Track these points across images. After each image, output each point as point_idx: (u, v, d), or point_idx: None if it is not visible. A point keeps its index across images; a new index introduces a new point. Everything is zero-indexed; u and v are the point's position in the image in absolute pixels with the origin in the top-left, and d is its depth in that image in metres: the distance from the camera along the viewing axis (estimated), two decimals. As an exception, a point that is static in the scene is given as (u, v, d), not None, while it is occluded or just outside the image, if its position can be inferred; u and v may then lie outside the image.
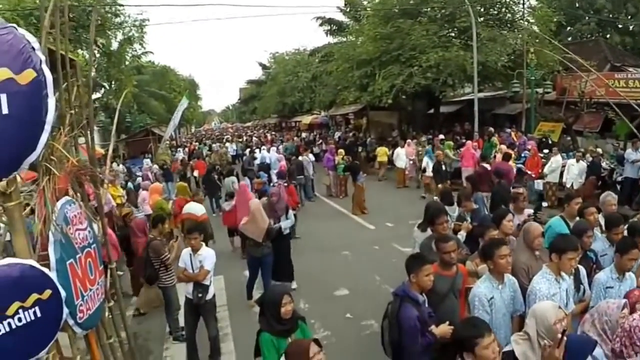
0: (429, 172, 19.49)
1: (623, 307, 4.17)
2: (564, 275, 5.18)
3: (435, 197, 18.37)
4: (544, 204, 16.25)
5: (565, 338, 3.49)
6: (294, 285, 10.74)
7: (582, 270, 5.64)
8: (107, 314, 4.83)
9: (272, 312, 4.69)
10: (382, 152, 24.97)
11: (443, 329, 4.88)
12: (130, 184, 20.90)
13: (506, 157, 15.60)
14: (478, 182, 11.56)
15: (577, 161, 16.31)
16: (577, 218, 7.08)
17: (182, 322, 8.40)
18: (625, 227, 6.40)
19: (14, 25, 3.46)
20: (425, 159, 20.23)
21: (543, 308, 3.99)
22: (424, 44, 25.33)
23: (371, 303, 9.23)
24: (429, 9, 27.80)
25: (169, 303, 8.59)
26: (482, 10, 27.90)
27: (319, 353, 3.69)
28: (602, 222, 7.10)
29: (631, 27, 36.67)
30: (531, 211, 9.63)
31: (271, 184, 17.05)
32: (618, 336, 4.02)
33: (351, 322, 8.92)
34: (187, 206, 12.30)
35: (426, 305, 5.05)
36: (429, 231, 7.18)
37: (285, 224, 10.56)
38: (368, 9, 30.38)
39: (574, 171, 16.06)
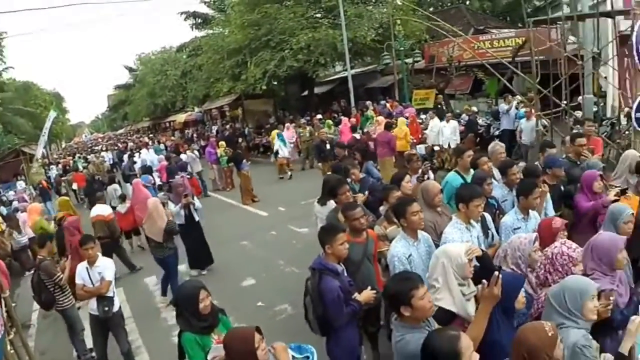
0: (282, 154, 20.63)
1: (534, 241, 4.35)
2: (473, 222, 5.34)
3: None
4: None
5: (500, 275, 3.54)
6: (204, 271, 10.80)
7: (488, 217, 5.79)
8: (9, 347, 4.43)
9: (191, 310, 4.39)
10: (275, 135, 24.65)
11: (366, 295, 4.88)
12: (3, 209, 19.63)
13: (387, 126, 15.96)
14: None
15: (448, 122, 16.93)
16: (471, 170, 7.29)
17: (89, 344, 7.84)
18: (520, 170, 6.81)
19: None
20: (277, 142, 20.95)
21: (455, 247, 4.12)
22: (293, 26, 25.59)
23: (280, 287, 9.25)
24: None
25: (72, 325, 7.98)
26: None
27: (262, 341, 3.50)
28: (495, 172, 7.31)
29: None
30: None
31: (156, 185, 16.65)
32: (542, 264, 4.25)
33: (264, 310, 8.73)
34: (94, 209, 11.61)
35: (345, 274, 4.97)
36: (329, 205, 7.20)
37: (197, 205, 10.65)
38: (233, -2, 30.08)
39: (447, 132, 16.65)
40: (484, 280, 3.59)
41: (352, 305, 4.78)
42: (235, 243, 12.97)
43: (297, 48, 24.87)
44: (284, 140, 20.95)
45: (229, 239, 13.33)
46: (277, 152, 20.86)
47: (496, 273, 3.56)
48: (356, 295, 4.87)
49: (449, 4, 36.75)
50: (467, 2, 36.58)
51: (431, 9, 35.29)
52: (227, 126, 35.91)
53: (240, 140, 29.01)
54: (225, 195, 19.88)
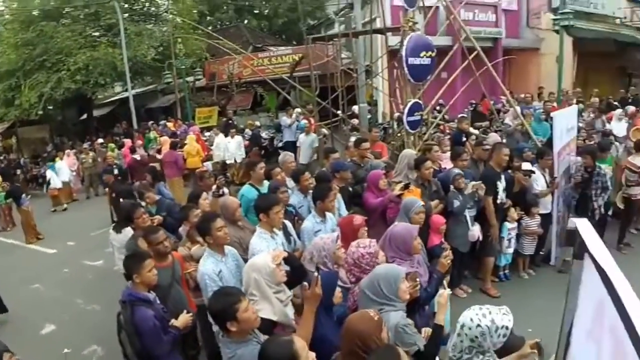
0: (54, 184, 19.42)
1: (336, 239, 4.72)
2: (276, 230, 5.52)
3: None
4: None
5: (319, 276, 3.80)
6: None
7: (288, 223, 6.05)
8: None
9: None
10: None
11: (183, 319, 4.82)
12: None
13: (173, 145, 16.19)
14: (134, 173, 11.76)
15: (232, 137, 17.44)
16: (265, 181, 7.55)
17: None
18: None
19: None
20: (49, 172, 19.87)
21: (261, 258, 4.26)
22: (70, 45, 24.51)
23: (85, 328, 8.68)
24: (72, 8, 26.72)
25: None
26: (126, 6, 27.91)
27: None
28: (288, 181, 7.65)
29: (266, 12, 39.79)
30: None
31: None
32: (349, 270, 4.60)
33: (73, 356, 7.91)
34: None
35: (157, 302, 4.87)
36: (125, 232, 7.03)
37: None
38: (6, 15, 27.87)
39: (232, 147, 17.15)
40: (305, 283, 3.80)
41: (171, 333, 4.68)
42: (25, 288, 11.66)
43: (74, 68, 23.84)
44: (55, 169, 19.72)
45: (17, 284, 11.92)
46: (49, 183, 19.51)
47: (315, 274, 3.81)
48: (173, 321, 4.79)
49: (227, 23, 37.45)
50: (246, 21, 37.57)
51: (210, 28, 35.67)
52: (1, 158, 33.09)
53: (17, 172, 26.83)
54: (6, 235, 17.61)
